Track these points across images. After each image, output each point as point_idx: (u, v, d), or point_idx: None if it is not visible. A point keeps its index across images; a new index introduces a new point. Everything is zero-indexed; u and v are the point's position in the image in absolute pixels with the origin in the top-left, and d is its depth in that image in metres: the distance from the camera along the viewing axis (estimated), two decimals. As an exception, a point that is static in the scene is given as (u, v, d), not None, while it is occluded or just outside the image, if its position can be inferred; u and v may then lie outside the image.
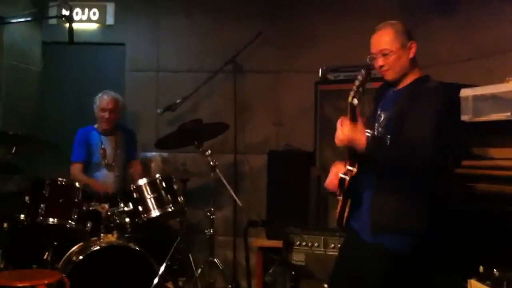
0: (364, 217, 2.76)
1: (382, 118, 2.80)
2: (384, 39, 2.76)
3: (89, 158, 4.70)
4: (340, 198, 2.79)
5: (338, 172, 2.78)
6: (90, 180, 4.52)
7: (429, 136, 2.55)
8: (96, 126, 4.79)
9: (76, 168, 4.66)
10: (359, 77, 2.44)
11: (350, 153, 2.69)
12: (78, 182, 4.13)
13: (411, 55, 2.76)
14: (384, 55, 2.76)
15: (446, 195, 2.86)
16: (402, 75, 2.79)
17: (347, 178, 2.69)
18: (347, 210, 2.77)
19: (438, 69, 4.22)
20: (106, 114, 4.67)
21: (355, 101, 2.42)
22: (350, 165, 2.71)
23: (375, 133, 2.74)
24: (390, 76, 2.81)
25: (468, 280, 2.87)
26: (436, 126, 2.58)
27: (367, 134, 2.50)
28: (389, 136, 2.64)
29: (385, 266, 2.67)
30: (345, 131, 2.49)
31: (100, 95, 4.74)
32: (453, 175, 3.38)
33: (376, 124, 2.82)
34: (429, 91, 2.68)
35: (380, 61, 2.78)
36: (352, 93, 2.44)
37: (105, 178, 4.66)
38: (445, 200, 2.82)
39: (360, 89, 2.44)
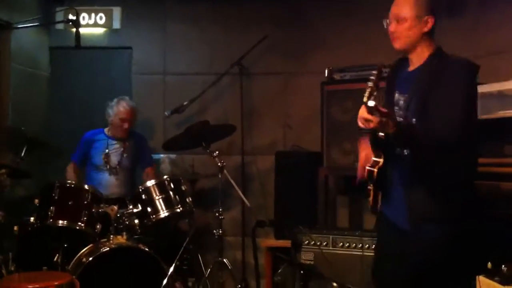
0: (397, 207, 2.73)
1: (401, 101, 2.73)
2: (402, 5, 2.69)
3: (90, 159, 4.75)
4: (371, 188, 2.78)
5: (367, 153, 2.78)
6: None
7: (458, 119, 2.52)
8: (106, 130, 4.82)
9: (71, 167, 4.76)
10: (372, 78, 2.41)
11: (374, 144, 2.68)
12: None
13: (424, 30, 2.66)
14: (398, 21, 2.69)
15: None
16: (409, 47, 2.71)
17: (375, 170, 2.67)
18: (379, 198, 2.78)
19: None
20: (126, 124, 4.71)
21: (371, 102, 2.35)
22: (376, 156, 2.69)
23: (396, 116, 2.61)
24: (397, 44, 2.72)
25: (477, 277, 2.88)
26: (465, 104, 2.56)
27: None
28: (414, 120, 2.59)
29: (426, 253, 2.65)
30: (371, 124, 2.42)
31: (116, 102, 4.74)
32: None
33: (396, 108, 2.74)
34: (452, 66, 2.61)
35: (392, 27, 2.72)
36: (366, 94, 2.39)
37: (107, 181, 4.70)
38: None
39: (374, 90, 2.40)
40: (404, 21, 2.67)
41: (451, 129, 2.51)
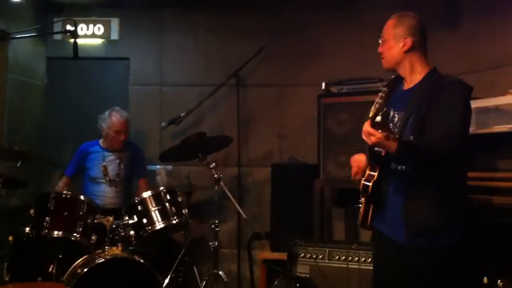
0: (393, 221, 2.74)
1: (396, 119, 2.78)
2: (385, 27, 2.88)
3: (86, 171, 4.73)
4: (363, 201, 2.80)
5: (360, 163, 2.84)
6: None
7: (456, 131, 2.57)
8: (100, 141, 4.79)
9: (63, 181, 4.72)
10: (382, 94, 2.49)
11: (371, 158, 2.71)
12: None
13: (404, 49, 2.78)
14: (382, 42, 2.88)
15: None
16: (393, 66, 2.85)
17: (370, 184, 2.71)
18: (370, 212, 2.79)
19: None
20: (122, 136, 4.68)
21: (378, 118, 2.46)
22: (371, 170, 2.73)
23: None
24: (383, 63, 2.90)
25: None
26: (462, 119, 2.61)
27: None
28: (411, 137, 2.63)
29: (424, 265, 2.67)
30: (373, 139, 2.47)
31: (109, 114, 4.70)
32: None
33: (391, 125, 2.78)
34: (450, 86, 2.67)
35: (379, 48, 2.90)
36: (373, 109, 2.46)
37: (105, 193, 4.69)
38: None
39: (383, 106, 2.48)
40: (386, 41, 2.86)
41: (450, 140, 2.55)
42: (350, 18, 5.18)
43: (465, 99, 2.69)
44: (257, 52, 5.13)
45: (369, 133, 2.46)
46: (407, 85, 2.83)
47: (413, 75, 2.80)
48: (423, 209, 2.65)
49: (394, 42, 2.80)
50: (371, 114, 2.46)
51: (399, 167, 2.71)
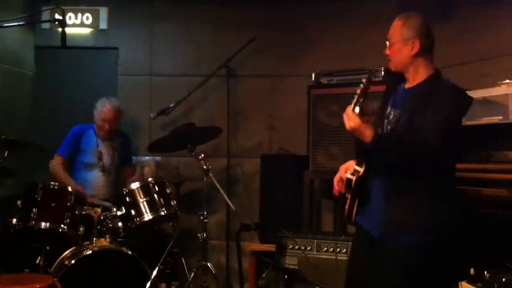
0: (374, 214, 2.74)
1: (392, 116, 2.79)
2: (392, 30, 2.82)
3: (78, 156, 4.69)
4: (348, 196, 2.80)
5: (348, 170, 2.83)
6: (68, 179, 4.48)
7: (440, 130, 2.55)
8: (95, 126, 4.77)
9: (57, 161, 4.66)
10: (361, 86, 2.52)
11: (357, 152, 2.72)
12: (55, 175, 4.35)
13: (412, 52, 2.75)
14: (389, 45, 2.82)
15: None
16: (402, 68, 2.81)
17: (354, 178, 2.72)
18: (355, 207, 2.78)
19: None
20: (106, 125, 4.65)
21: (357, 109, 2.49)
22: (357, 165, 2.74)
23: (384, 130, 2.76)
24: (390, 66, 2.86)
25: (459, 283, 2.89)
26: (449, 123, 2.59)
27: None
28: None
29: (401, 261, 2.66)
30: (351, 123, 2.51)
31: (102, 102, 4.69)
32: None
33: (386, 121, 2.80)
34: (446, 91, 2.67)
35: (386, 50, 2.84)
36: (353, 103, 2.50)
37: (98, 180, 4.66)
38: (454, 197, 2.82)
39: (361, 99, 2.50)
40: (393, 44, 2.80)
41: (433, 137, 2.53)
42: (341, 10, 5.16)
43: (456, 101, 2.68)
44: (247, 42, 5.11)
45: (348, 117, 2.51)
46: (409, 84, 2.83)
47: (416, 76, 2.79)
48: (404, 207, 2.66)
49: (402, 45, 2.76)
50: (352, 106, 2.52)
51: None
